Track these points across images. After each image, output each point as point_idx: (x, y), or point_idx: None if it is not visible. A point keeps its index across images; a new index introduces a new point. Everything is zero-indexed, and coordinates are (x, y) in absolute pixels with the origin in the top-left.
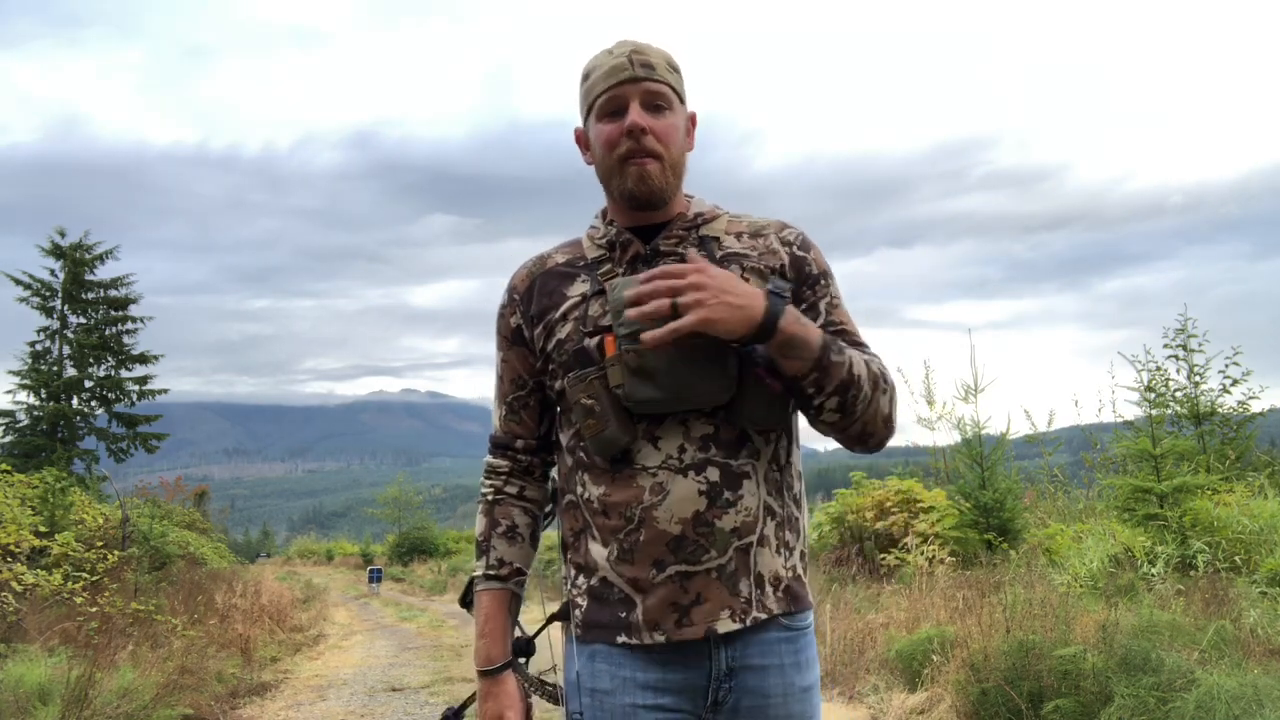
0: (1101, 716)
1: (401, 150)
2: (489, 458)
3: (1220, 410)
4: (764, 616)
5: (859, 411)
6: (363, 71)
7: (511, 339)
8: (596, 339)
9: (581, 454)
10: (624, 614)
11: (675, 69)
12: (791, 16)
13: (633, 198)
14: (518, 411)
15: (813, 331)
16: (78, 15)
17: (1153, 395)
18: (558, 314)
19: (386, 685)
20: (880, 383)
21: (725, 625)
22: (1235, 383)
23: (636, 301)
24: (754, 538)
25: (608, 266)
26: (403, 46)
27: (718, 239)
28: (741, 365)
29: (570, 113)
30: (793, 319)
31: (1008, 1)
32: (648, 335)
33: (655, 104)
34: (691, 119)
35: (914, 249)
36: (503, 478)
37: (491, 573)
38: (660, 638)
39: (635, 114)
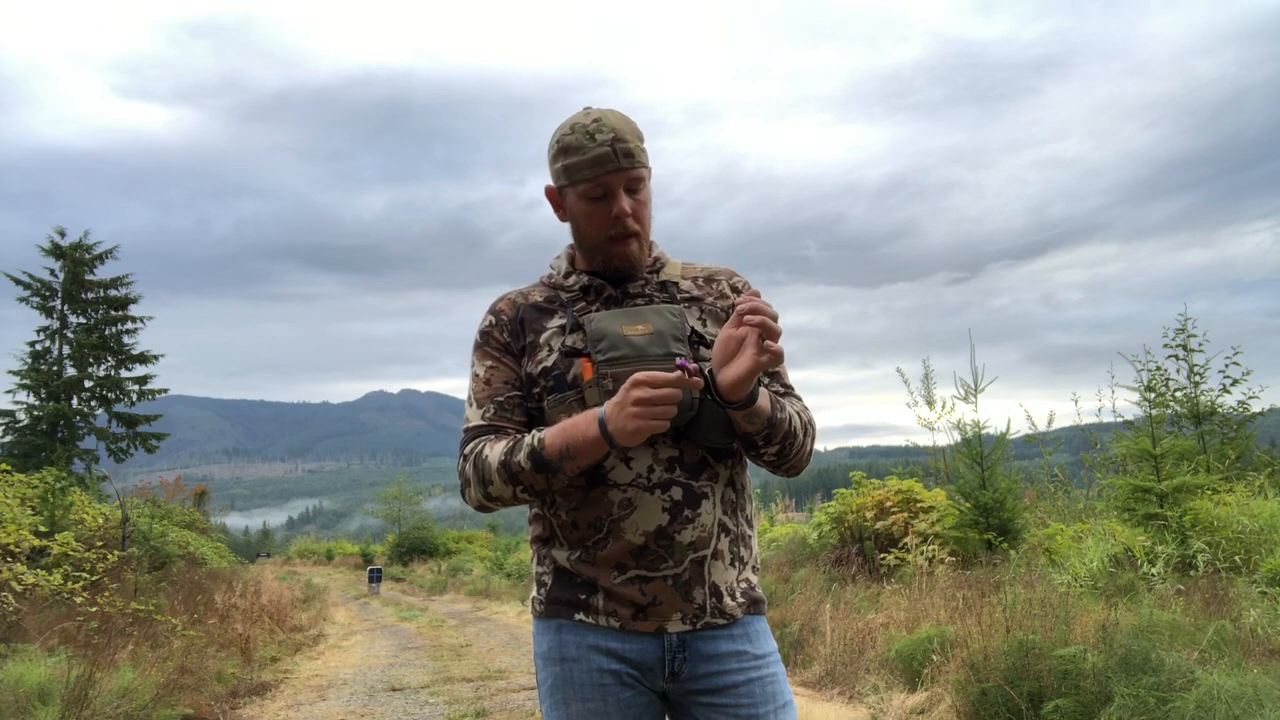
0: (1101, 716)
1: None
2: (473, 440)
3: (1220, 410)
4: (721, 623)
5: (791, 455)
6: None
7: (503, 349)
8: (574, 367)
9: None
10: (584, 596)
11: (642, 138)
12: None
13: (616, 270)
14: (511, 409)
15: (766, 401)
16: None
17: (1153, 395)
18: (540, 340)
19: (386, 685)
20: (808, 429)
21: (675, 626)
22: (1235, 382)
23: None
24: (708, 551)
25: (582, 304)
26: None
27: (676, 283)
28: (700, 395)
29: None
30: (763, 397)
31: None
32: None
33: (634, 187)
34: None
35: None
36: (502, 430)
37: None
38: (615, 624)
39: (623, 203)
